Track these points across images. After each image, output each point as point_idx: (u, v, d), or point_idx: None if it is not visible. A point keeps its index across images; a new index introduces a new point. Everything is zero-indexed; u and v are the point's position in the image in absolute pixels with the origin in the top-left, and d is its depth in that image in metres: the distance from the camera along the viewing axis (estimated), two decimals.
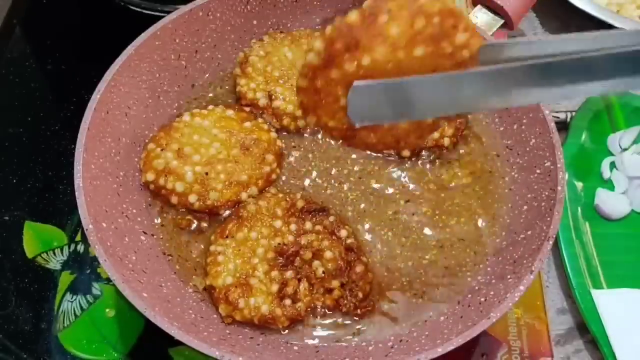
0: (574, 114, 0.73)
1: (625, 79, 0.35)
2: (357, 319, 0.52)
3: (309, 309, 0.52)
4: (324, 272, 0.52)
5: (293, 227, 0.54)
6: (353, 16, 0.35)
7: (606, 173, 0.69)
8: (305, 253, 0.53)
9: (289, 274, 0.52)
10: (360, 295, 0.52)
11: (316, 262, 0.53)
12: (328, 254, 0.53)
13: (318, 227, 0.55)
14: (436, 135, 0.61)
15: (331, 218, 0.55)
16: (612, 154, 0.71)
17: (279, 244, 0.53)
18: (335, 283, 0.52)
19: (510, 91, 0.36)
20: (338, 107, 0.38)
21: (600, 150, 0.71)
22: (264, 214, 0.55)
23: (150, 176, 0.57)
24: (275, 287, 0.51)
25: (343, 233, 0.55)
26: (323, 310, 0.52)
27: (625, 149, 0.70)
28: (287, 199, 0.57)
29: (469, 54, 0.36)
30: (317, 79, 0.37)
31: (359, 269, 0.53)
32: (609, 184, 0.69)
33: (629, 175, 0.68)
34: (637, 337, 0.57)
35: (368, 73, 0.36)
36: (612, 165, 0.70)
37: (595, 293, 0.60)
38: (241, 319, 0.51)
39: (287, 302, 0.51)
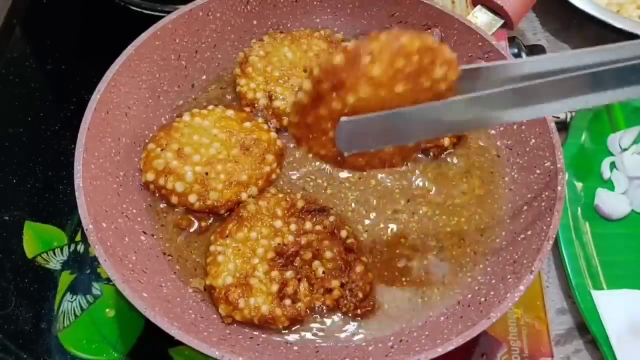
0: (573, 114, 0.73)
1: (587, 96, 0.39)
2: (357, 319, 0.52)
3: (309, 309, 0.52)
4: (324, 272, 0.52)
5: (293, 227, 0.54)
6: (338, 58, 0.37)
7: (606, 173, 0.69)
8: (305, 253, 0.53)
9: (289, 274, 0.52)
10: (360, 295, 0.52)
11: (316, 262, 0.53)
12: (328, 254, 0.53)
13: (318, 227, 0.55)
14: None
15: (331, 218, 0.55)
16: (612, 154, 0.71)
17: (279, 244, 0.53)
18: (335, 283, 0.52)
19: (486, 114, 0.40)
20: (327, 139, 0.41)
21: (600, 150, 0.71)
22: (264, 214, 0.55)
23: (150, 176, 0.57)
24: (275, 287, 0.51)
25: (343, 233, 0.55)
26: (323, 310, 0.52)
27: (625, 149, 0.70)
28: (287, 199, 0.57)
29: (445, 85, 0.39)
30: (307, 116, 0.40)
31: (358, 269, 0.53)
32: (609, 184, 0.69)
33: (629, 176, 0.68)
34: (637, 338, 0.57)
35: (353, 109, 0.38)
36: (612, 165, 0.70)
37: (596, 294, 0.60)
38: (241, 319, 0.51)
39: (287, 302, 0.51)
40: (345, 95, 0.38)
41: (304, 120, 0.40)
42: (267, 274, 0.52)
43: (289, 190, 0.59)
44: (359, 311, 0.52)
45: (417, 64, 0.37)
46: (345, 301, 0.52)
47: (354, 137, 0.40)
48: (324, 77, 0.38)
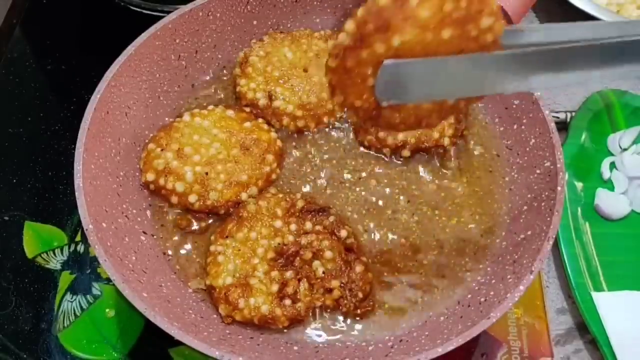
0: (573, 114, 0.73)
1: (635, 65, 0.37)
2: (357, 319, 0.52)
3: (309, 309, 0.52)
4: (324, 272, 0.52)
5: (293, 227, 0.54)
6: None
7: (606, 173, 0.69)
8: (305, 253, 0.53)
9: (289, 274, 0.52)
10: (360, 295, 0.52)
11: (316, 262, 0.53)
12: (328, 254, 0.53)
13: (318, 227, 0.55)
14: (436, 135, 0.61)
15: (331, 218, 0.55)
16: (612, 154, 0.71)
17: (279, 244, 0.53)
18: (335, 283, 0.52)
19: (528, 74, 0.38)
20: (366, 87, 0.39)
21: (600, 151, 0.71)
22: (264, 214, 0.55)
23: (150, 176, 0.57)
24: (275, 287, 0.51)
25: (343, 233, 0.55)
26: (323, 310, 0.52)
27: (625, 149, 0.70)
28: (287, 199, 0.57)
29: (492, 37, 0.38)
30: (347, 59, 0.38)
31: (358, 269, 0.53)
32: (608, 184, 0.69)
33: (629, 176, 0.69)
34: (637, 338, 0.57)
35: (397, 54, 0.37)
36: (612, 165, 0.70)
37: (596, 295, 0.60)
38: (241, 319, 0.51)
39: (287, 302, 0.51)
40: (390, 38, 0.36)
41: (343, 64, 0.38)
42: (267, 274, 0.52)
43: (288, 190, 0.59)
44: (358, 311, 0.52)
45: (465, 10, 0.36)
46: (345, 301, 0.52)
47: (395, 84, 0.38)
48: (369, 17, 0.36)
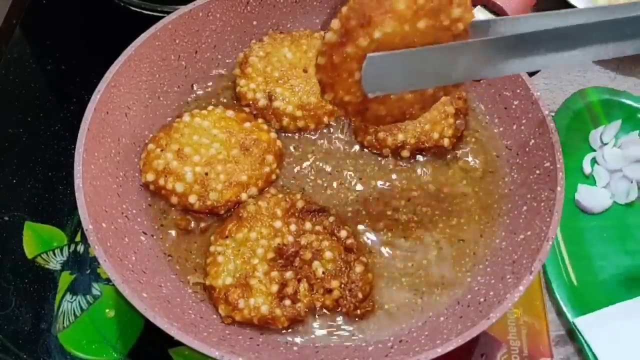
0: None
1: (597, 46, 0.41)
2: (357, 319, 0.52)
3: (308, 309, 0.52)
4: (323, 273, 0.52)
5: (293, 227, 0.54)
6: None
7: (587, 169, 0.70)
8: (305, 253, 0.53)
9: (289, 274, 0.52)
10: (360, 295, 0.52)
11: (316, 263, 0.53)
12: (328, 255, 0.53)
13: (318, 228, 0.55)
14: (436, 136, 0.61)
15: (331, 218, 0.56)
16: (593, 150, 0.71)
17: (279, 244, 0.53)
18: (334, 283, 0.52)
19: (498, 60, 0.42)
20: (353, 81, 0.43)
21: (581, 147, 0.71)
22: (263, 215, 0.55)
23: (150, 177, 0.57)
24: (275, 288, 0.51)
25: (343, 233, 0.55)
26: (323, 310, 0.52)
27: (606, 144, 0.71)
28: (287, 199, 0.57)
29: (463, 26, 0.42)
30: (334, 55, 0.42)
31: (358, 269, 0.53)
32: (590, 180, 0.69)
33: (610, 169, 0.69)
34: (625, 353, 0.57)
35: (379, 47, 0.41)
36: (593, 162, 0.71)
37: (577, 321, 0.59)
38: (241, 320, 0.51)
39: (287, 302, 0.51)
40: (372, 31, 0.40)
41: (330, 61, 0.42)
42: (266, 275, 0.52)
43: (288, 191, 0.59)
44: (358, 311, 0.52)
45: (437, 2, 0.40)
46: (345, 301, 0.52)
47: (379, 75, 0.42)
48: (352, 14, 0.40)
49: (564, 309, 0.60)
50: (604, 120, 0.73)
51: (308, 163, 0.61)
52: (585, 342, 0.58)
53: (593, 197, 0.67)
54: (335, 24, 0.41)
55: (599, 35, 0.41)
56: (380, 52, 0.41)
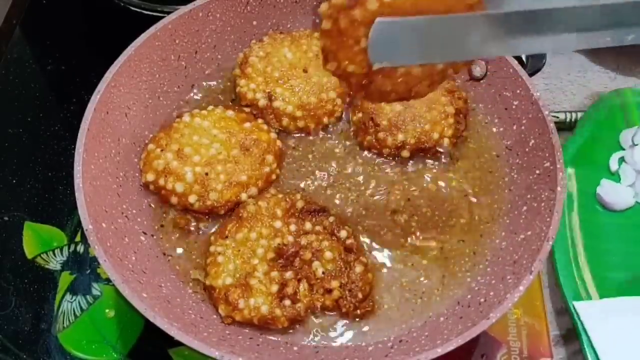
0: (579, 115, 0.73)
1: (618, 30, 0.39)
2: (356, 319, 0.52)
3: (308, 310, 0.52)
4: (323, 273, 0.52)
5: (293, 227, 0.54)
6: None
7: (614, 166, 0.70)
8: (305, 253, 0.53)
9: (289, 274, 0.52)
10: (360, 295, 0.52)
11: (316, 263, 0.53)
12: (328, 255, 0.53)
13: (318, 228, 0.55)
14: (436, 136, 0.61)
15: (331, 218, 0.56)
16: (622, 149, 0.71)
17: (279, 244, 0.53)
18: (334, 283, 0.52)
19: (510, 37, 0.40)
20: (359, 49, 0.40)
21: (610, 145, 0.71)
22: (263, 215, 0.55)
23: (150, 177, 0.57)
24: (275, 288, 0.51)
25: (343, 233, 0.55)
26: (323, 310, 0.52)
27: (637, 145, 0.70)
28: (287, 199, 0.57)
29: None
30: (341, 19, 0.39)
31: (358, 269, 0.53)
32: (615, 177, 0.69)
33: (637, 169, 0.69)
34: (622, 346, 0.57)
35: (389, 12, 0.38)
36: (621, 160, 0.70)
37: (578, 305, 0.59)
38: (241, 320, 0.51)
39: (287, 302, 0.51)
40: None
41: (336, 25, 0.40)
42: (266, 275, 0.52)
43: (288, 191, 0.59)
44: (358, 311, 0.52)
45: None
46: (344, 302, 0.52)
47: (387, 43, 0.39)
48: None
49: (566, 294, 0.60)
50: (638, 121, 0.73)
51: (308, 163, 0.61)
52: (582, 324, 0.58)
53: (616, 194, 0.67)
54: None
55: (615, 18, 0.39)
56: (389, 18, 0.38)
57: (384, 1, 0.38)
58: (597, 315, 0.58)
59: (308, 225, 0.55)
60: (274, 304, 0.51)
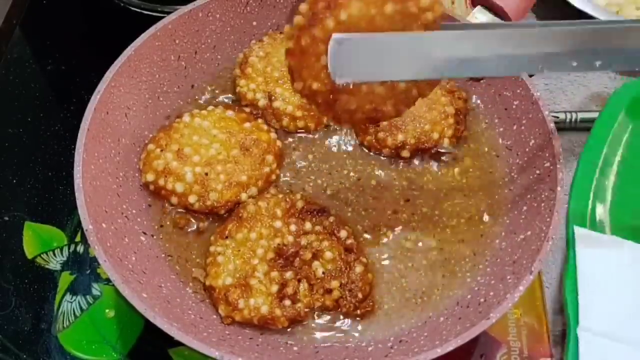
0: (580, 114, 0.72)
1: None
2: (357, 319, 0.52)
3: (308, 310, 0.52)
4: (323, 273, 0.52)
5: (293, 227, 0.54)
6: None
7: None
8: (305, 253, 0.53)
9: (289, 274, 0.52)
10: (360, 295, 0.52)
11: (316, 263, 0.53)
12: (328, 255, 0.53)
13: (318, 228, 0.55)
14: (436, 136, 0.61)
15: (331, 219, 0.56)
16: None
17: (279, 244, 0.53)
18: (334, 283, 0.52)
19: (467, 57, 0.41)
20: (321, 66, 0.42)
21: None
22: (263, 215, 0.55)
23: (150, 177, 0.57)
24: (275, 288, 0.51)
25: (343, 233, 0.55)
26: (323, 310, 0.52)
27: None
28: (287, 199, 0.57)
29: (432, 17, 0.41)
30: (302, 38, 0.42)
31: (358, 269, 0.53)
32: None
33: None
34: (604, 284, 0.55)
35: (346, 30, 0.41)
36: None
37: (578, 230, 0.57)
38: (241, 320, 0.51)
39: (287, 302, 0.51)
40: (338, 12, 0.40)
41: (299, 44, 0.42)
42: (266, 275, 0.52)
43: (288, 191, 0.59)
44: (358, 311, 0.52)
45: None
46: (345, 302, 0.52)
47: (345, 58, 0.41)
48: None
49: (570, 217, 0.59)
50: None
51: (308, 163, 0.62)
52: (574, 251, 0.57)
53: None
54: (303, 7, 0.42)
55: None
56: (344, 34, 0.40)
57: (341, 20, 0.40)
58: (593, 246, 0.56)
59: (308, 225, 0.55)
60: (274, 304, 0.51)
